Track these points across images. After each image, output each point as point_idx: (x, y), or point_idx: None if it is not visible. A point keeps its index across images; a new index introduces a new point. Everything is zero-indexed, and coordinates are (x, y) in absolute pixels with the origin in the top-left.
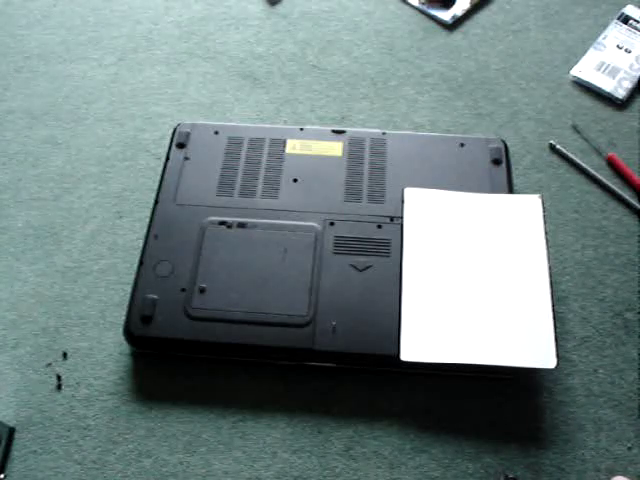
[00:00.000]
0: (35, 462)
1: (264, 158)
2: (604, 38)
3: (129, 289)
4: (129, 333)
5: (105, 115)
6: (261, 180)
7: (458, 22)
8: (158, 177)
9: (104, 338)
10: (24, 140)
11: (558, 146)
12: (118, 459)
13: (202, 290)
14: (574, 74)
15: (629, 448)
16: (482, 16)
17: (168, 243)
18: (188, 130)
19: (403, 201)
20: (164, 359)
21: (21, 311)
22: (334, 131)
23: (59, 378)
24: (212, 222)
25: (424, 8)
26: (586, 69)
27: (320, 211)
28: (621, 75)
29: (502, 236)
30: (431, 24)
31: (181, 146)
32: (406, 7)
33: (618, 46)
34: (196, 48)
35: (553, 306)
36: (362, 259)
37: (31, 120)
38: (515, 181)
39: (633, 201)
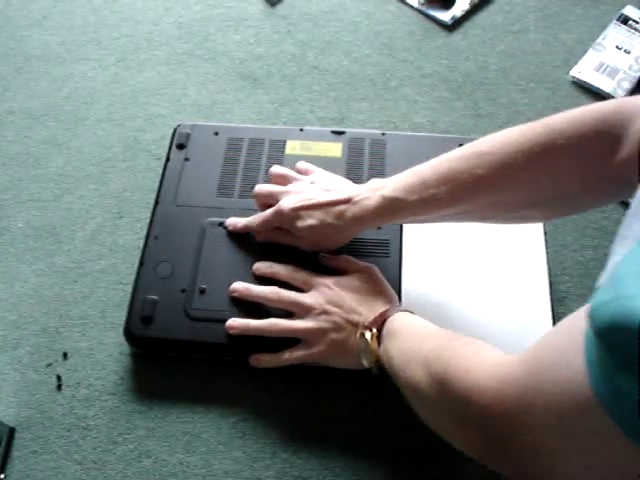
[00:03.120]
0: (35, 462)
1: (264, 159)
2: (603, 39)
3: (129, 289)
4: (129, 333)
5: (105, 116)
6: (261, 181)
7: (457, 23)
8: (158, 178)
9: (104, 338)
10: (24, 141)
11: None
12: (118, 459)
13: (202, 291)
14: (573, 75)
15: None
16: (481, 17)
17: (168, 244)
18: (188, 131)
19: None
20: (164, 359)
21: (21, 311)
22: (334, 132)
23: (59, 378)
24: (212, 223)
25: (423, 9)
26: (585, 70)
27: None
28: (620, 76)
29: (501, 236)
30: (430, 25)
31: (181, 147)
32: (405, 8)
33: (617, 47)
34: (196, 49)
35: (552, 307)
36: (361, 259)
37: (31, 121)
38: None
39: None
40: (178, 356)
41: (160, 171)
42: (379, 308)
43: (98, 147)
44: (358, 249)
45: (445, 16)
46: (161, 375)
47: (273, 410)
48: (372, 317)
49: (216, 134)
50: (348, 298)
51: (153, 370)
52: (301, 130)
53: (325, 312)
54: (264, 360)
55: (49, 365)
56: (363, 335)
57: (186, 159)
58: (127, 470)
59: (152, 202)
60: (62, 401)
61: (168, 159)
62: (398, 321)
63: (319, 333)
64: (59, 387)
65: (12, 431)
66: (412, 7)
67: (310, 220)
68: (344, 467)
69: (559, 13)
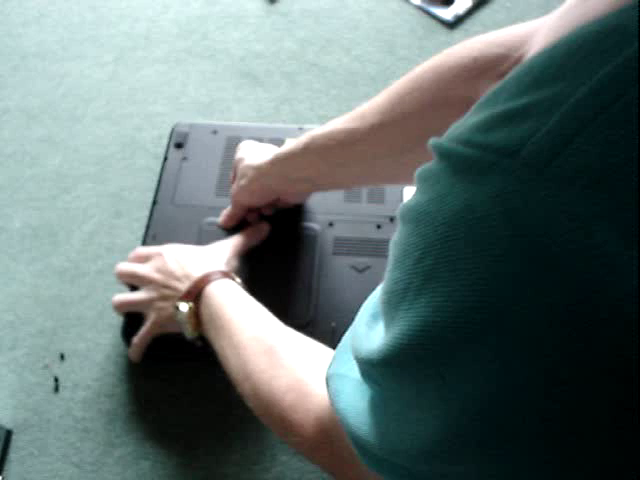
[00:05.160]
0: (32, 464)
1: None
2: None
3: (127, 290)
4: (127, 335)
5: (103, 114)
6: None
7: (459, 20)
8: (156, 177)
9: (102, 339)
10: (21, 139)
11: None
12: (116, 461)
13: None
14: None
15: None
16: (483, 14)
17: (166, 244)
18: (186, 130)
19: (403, 201)
20: (162, 361)
21: (18, 312)
22: None
23: (56, 380)
24: (210, 223)
25: (425, 6)
26: None
27: (319, 212)
28: None
29: None
30: (432, 22)
31: (179, 146)
32: (407, 5)
33: None
34: (195, 46)
35: None
36: (362, 259)
37: (28, 119)
38: None
39: None
40: (176, 357)
41: (158, 170)
42: (195, 276)
43: (95, 146)
44: (358, 249)
45: (447, 14)
46: (159, 377)
47: None
48: (186, 287)
49: (214, 133)
50: (173, 263)
51: (151, 372)
52: (300, 129)
53: (152, 281)
54: (131, 352)
55: (46, 366)
56: (178, 307)
57: (184, 158)
58: (125, 472)
59: (150, 201)
60: (59, 403)
61: (166, 158)
62: (215, 298)
63: (147, 303)
64: (56, 389)
65: (9, 433)
66: (413, 5)
67: (242, 180)
68: None
69: None
